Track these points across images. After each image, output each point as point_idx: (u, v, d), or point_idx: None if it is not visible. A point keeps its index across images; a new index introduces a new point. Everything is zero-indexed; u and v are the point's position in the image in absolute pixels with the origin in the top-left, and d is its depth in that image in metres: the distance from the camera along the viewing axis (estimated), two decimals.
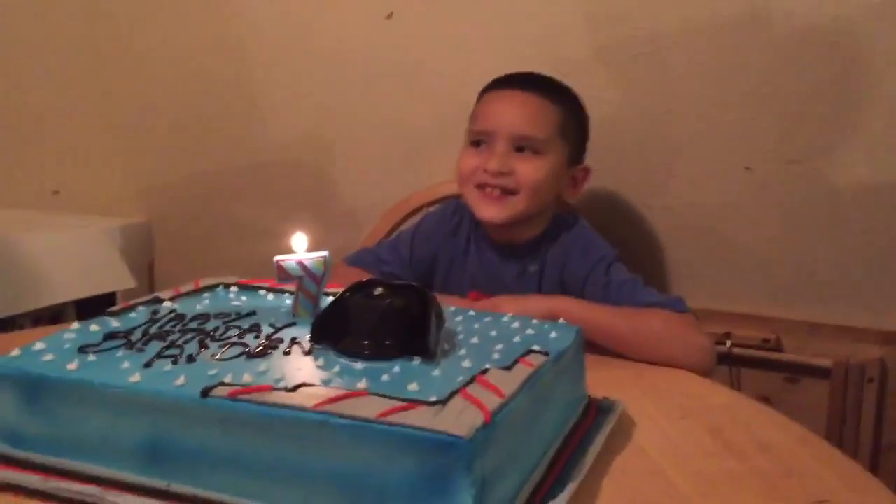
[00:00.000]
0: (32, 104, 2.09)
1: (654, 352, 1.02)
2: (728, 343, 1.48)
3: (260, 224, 1.91)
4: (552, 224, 1.23)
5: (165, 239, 2.02)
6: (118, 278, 1.84)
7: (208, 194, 1.95)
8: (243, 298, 0.89)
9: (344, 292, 0.73)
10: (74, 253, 1.81)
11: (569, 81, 1.53)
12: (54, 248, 1.78)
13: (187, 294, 0.90)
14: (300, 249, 0.83)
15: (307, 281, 0.82)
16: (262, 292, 0.92)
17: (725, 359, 1.48)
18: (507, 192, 1.16)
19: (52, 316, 1.78)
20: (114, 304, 1.84)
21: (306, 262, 0.82)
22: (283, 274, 0.82)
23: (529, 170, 1.15)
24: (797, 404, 1.47)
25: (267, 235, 1.87)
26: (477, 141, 1.20)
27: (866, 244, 1.39)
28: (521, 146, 1.16)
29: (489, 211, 1.17)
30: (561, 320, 0.84)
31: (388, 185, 1.71)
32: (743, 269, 1.49)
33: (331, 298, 0.86)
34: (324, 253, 0.83)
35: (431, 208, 1.51)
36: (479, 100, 1.24)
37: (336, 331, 0.71)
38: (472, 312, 0.86)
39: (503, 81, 1.23)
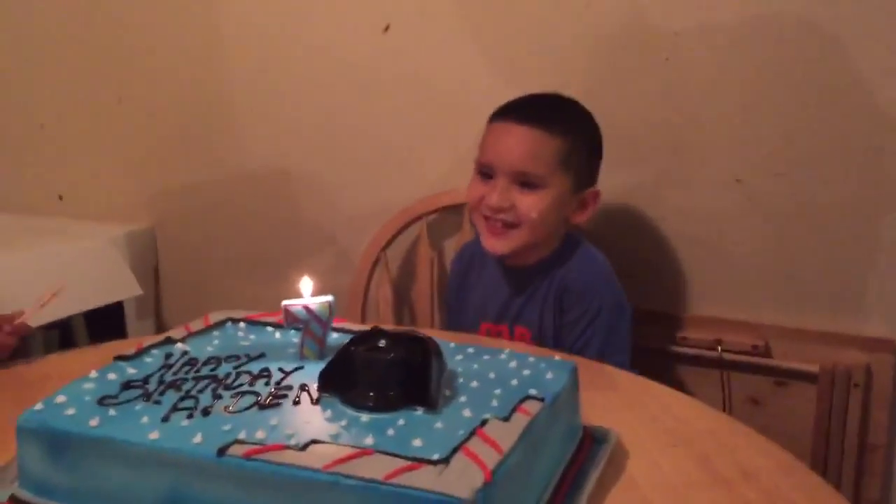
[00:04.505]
0: (36, 110, 2.12)
1: None
2: (719, 349, 1.52)
3: (261, 228, 1.94)
4: (562, 246, 1.26)
5: (169, 244, 2.06)
6: (126, 287, 1.87)
7: (210, 200, 1.98)
8: (252, 337, 0.93)
9: (349, 344, 0.77)
10: (81, 264, 1.84)
11: (565, 87, 1.56)
12: (61, 261, 1.81)
13: (198, 333, 0.94)
14: (306, 293, 0.87)
15: (314, 325, 0.86)
16: (270, 328, 0.95)
17: (717, 363, 1.53)
18: (509, 225, 1.20)
19: (63, 329, 1.82)
20: (122, 314, 1.90)
21: (312, 307, 0.86)
22: (290, 318, 0.86)
23: (529, 204, 1.19)
24: (786, 406, 1.52)
25: (269, 239, 1.92)
26: (483, 171, 1.23)
27: (849, 254, 1.44)
28: (521, 180, 1.19)
29: (492, 243, 1.21)
30: (556, 356, 0.88)
31: (385, 193, 1.74)
32: (733, 277, 1.53)
33: (337, 335, 0.91)
34: (328, 298, 0.87)
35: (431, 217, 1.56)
36: (486, 127, 1.26)
37: (342, 380, 0.75)
38: (471, 349, 0.90)
39: (507, 111, 1.25)
